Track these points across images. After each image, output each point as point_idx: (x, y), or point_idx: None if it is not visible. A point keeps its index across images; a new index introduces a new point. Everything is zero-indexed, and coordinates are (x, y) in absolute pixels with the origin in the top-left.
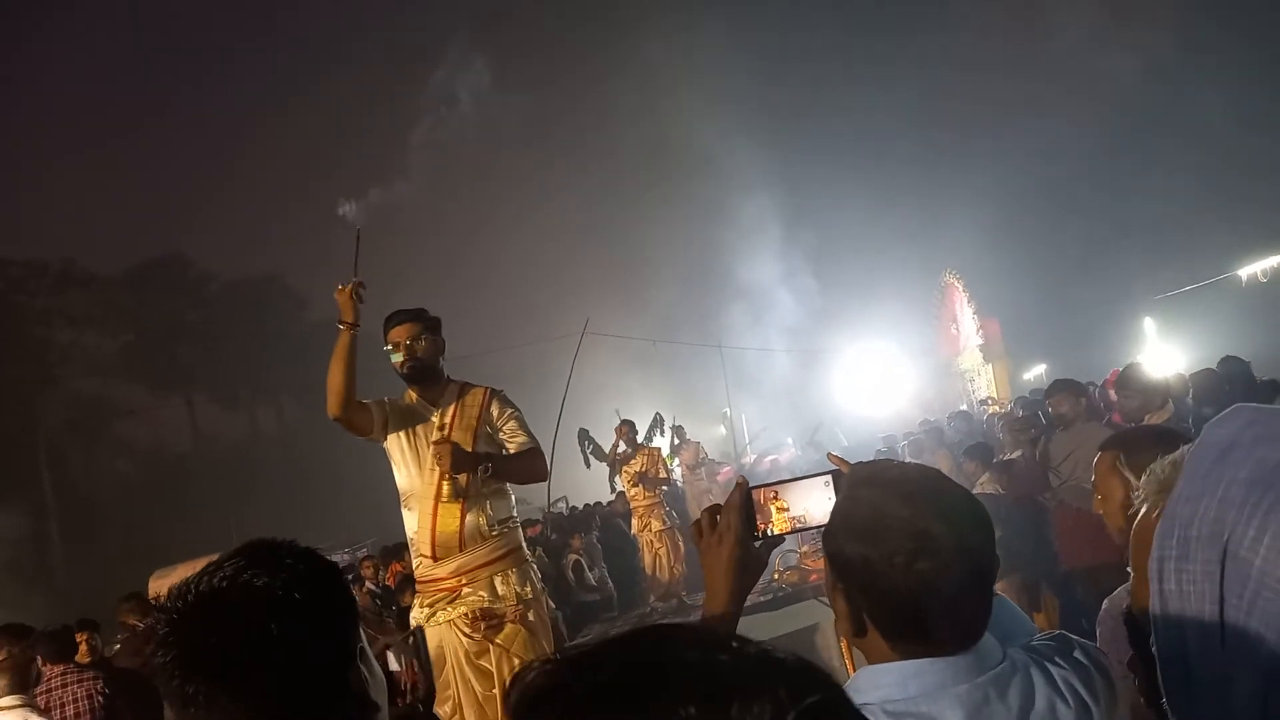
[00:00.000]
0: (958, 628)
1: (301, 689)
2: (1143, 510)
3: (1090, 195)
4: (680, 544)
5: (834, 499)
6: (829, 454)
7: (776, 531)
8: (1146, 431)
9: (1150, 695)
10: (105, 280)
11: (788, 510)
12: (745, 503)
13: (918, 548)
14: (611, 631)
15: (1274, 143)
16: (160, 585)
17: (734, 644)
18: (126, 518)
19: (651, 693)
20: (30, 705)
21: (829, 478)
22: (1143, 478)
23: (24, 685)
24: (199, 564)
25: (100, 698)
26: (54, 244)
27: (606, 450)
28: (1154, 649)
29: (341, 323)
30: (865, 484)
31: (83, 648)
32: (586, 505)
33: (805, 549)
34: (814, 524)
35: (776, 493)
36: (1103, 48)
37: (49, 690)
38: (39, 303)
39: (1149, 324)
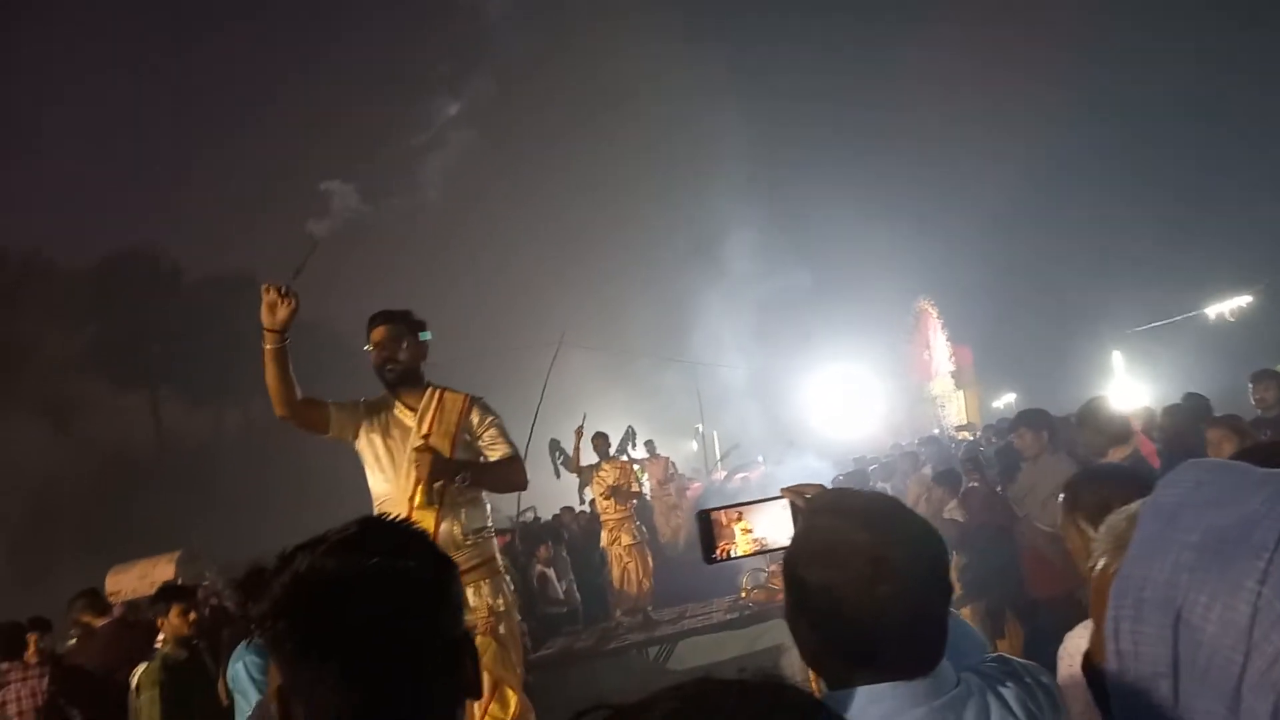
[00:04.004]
0: (915, 652)
1: (410, 677)
2: (1100, 564)
3: (1066, 230)
4: (649, 559)
5: (792, 522)
6: (781, 488)
7: (740, 553)
8: (1104, 475)
9: None
10: (72, 272)
11: (752, 532)
12: (704, 526)
13: (877, 573)
14: (576, 645)
15: (1243, 184)
16: (118, 581)
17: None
18: (86, 512)
19: None
20: None
21: (787, 501)
22: (1100, 529)
23: None
24: (158, 561)
25: (44, 696)
26: (19, 233)
27: (572, 456)
28: (1112, 708)
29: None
30: (825, 511)
31: (31, 648)
32: (555, 515)
33: (774, 568)
34: (776, 546)
35: (741, 514)
36: (1085, 87)
37: None
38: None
39: (1117, 358)
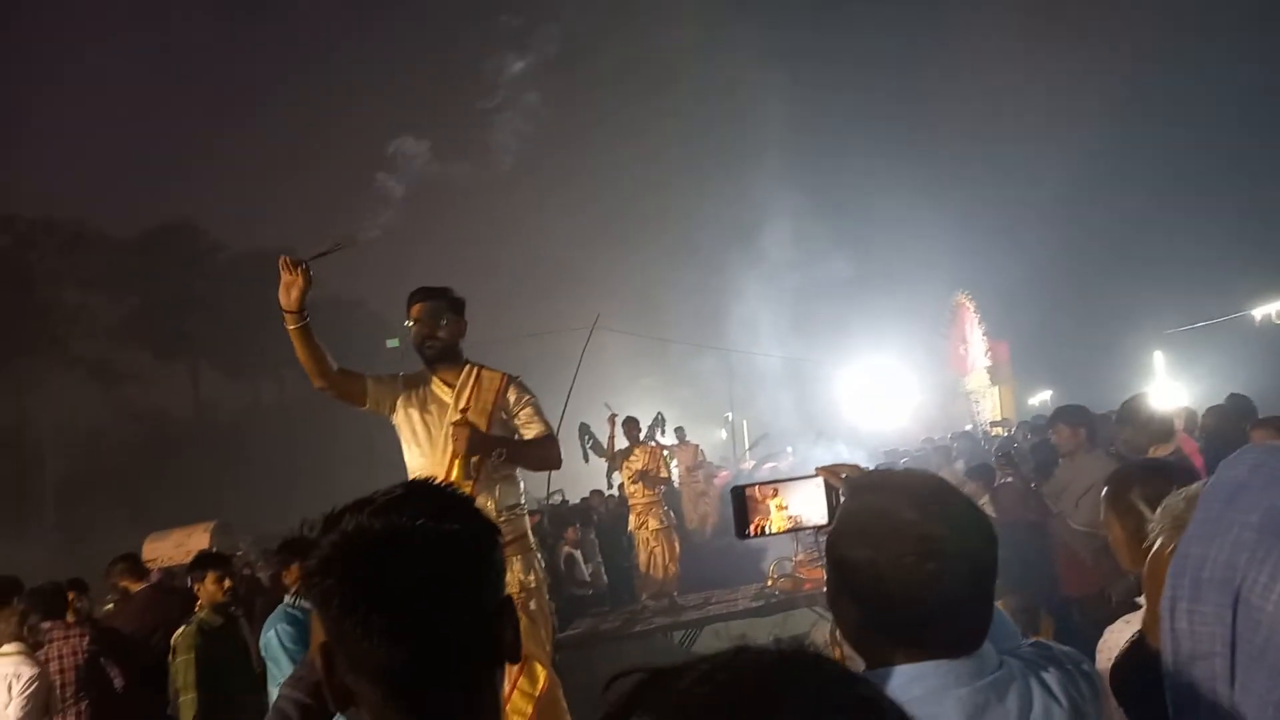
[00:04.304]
0: (960, 631)
1: (453, 637)
2: (1157, 544)
3: (1110, 227)
4: (675, 544)
5: (826, 501)
6: (817, 467)
7: (775, 530)
8: (1154, 466)
9: None
10: (115, 243)
11: (786, 509)
12: (738, 502)
13: (925, 550)
14: (602, 626)
15: None
16: (155, 549)
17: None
18: (125, 478)
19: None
20: (26, 654)
21: (822, 479)
22: (1158, 511)
23: (20, 635)
24: (193, 531)
25: (85, 655)
26: (66, 204)
27: (605, 444)
28: (1166, 687)
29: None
30: (871, 489)
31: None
32: (583, 499)
33: (800, 556)
34: (810, 524)
35: (776, 490)
36: (1132, 84)
37: (38, 645)
38: (47, 262)
39: (1159, 358)
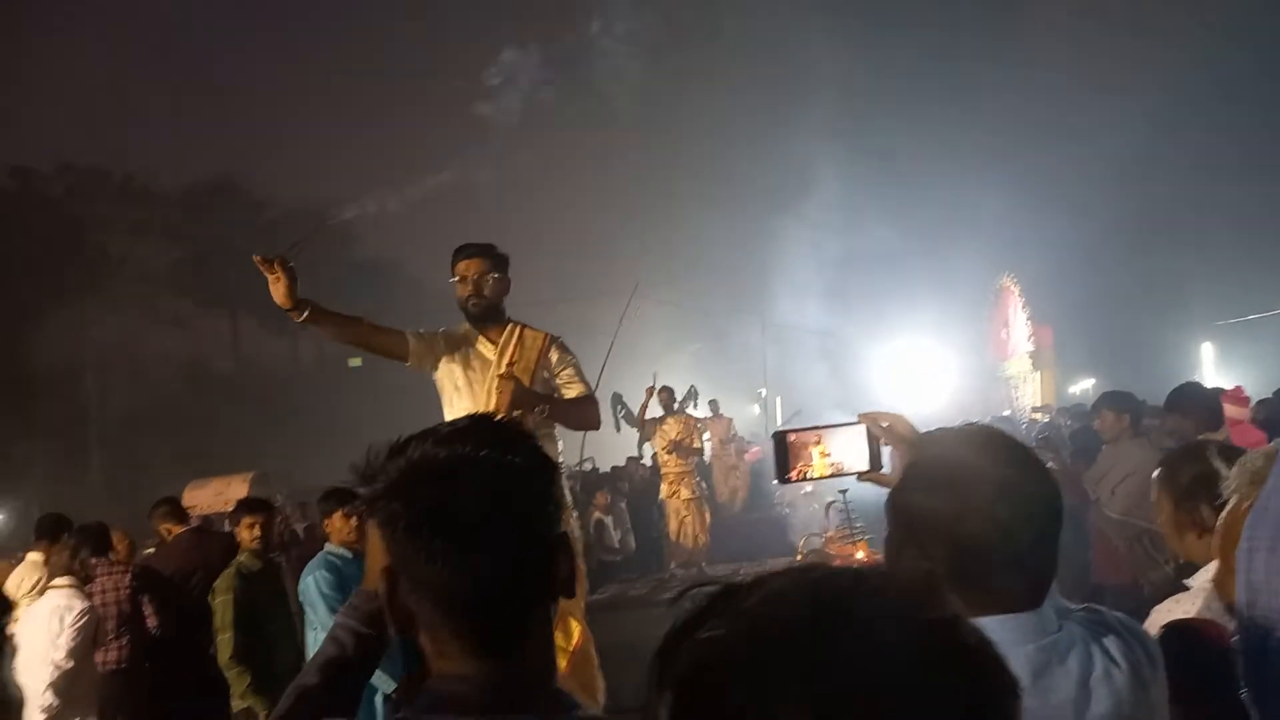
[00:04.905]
0: (1026, 583)
1: (513, 566)
2: (1233, 501)
3: (1162, 214)
4: (706, 515)
5: (868, 448)
6: (860, 414)
7: (816, 475)
8: (1222, 442)
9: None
10: (163, 196)
11: (829, 455)
12: (779, 446)
13: (996, 495)
14: (630, 592)
15: None
16: (194, 496)
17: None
18: (165, 428)
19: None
20: (77, 587)
21: (863, 427)
22: (1234, 468)
23: (72, 569)
24: (232, 480)
25: (126, 591)
26: (116, 155)
27: (637, 412)
28: (1235, 637)
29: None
30: (939, 443)
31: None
32: (615, 467)
33: (831, 533)
34: (852, 470)
35: (819, 437)
36: (1188, 70)
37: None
38: (98, 210)
39: (1207, 349)
